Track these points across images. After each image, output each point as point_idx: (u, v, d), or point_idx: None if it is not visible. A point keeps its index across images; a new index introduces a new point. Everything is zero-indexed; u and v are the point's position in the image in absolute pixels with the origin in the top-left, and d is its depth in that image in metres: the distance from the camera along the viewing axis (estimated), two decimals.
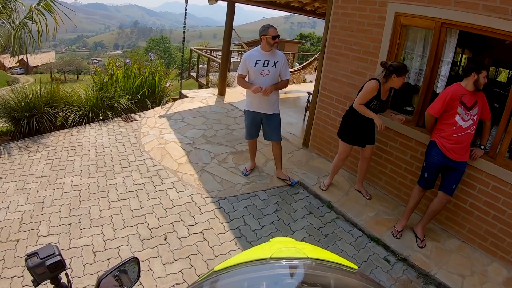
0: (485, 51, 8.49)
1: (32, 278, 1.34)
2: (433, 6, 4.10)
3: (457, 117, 3.76)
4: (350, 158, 5.42)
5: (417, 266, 3.84)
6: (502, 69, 10.07)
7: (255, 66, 4.55)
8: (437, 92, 4.50)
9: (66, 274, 1.47)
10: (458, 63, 9.33)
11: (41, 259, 1.33)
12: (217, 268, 1.35)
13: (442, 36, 4.14)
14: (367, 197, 4.93)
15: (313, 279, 1.23)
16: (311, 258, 1.32)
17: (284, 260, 1.31)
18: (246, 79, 4.76)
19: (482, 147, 3.97)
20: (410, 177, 4.74)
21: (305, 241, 4.04)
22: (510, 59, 8.04)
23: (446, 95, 3.75)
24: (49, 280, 1.39)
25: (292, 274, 1.25)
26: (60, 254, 1.37)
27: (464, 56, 9.46)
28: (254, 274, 1.28)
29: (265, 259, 1.31)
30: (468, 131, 3.75)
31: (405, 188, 4.85)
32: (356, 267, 1.36)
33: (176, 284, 3.30)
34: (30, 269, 1.32)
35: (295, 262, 1.31)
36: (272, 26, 4.51)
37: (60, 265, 1.36)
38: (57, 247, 1.39)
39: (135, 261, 1.54)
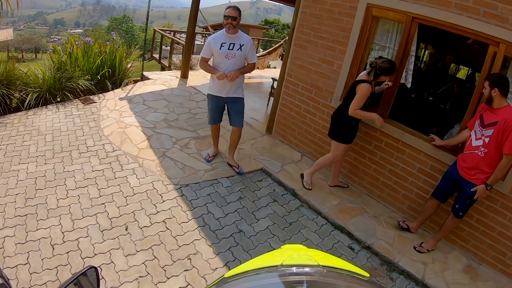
0: (447, 48, 8.75)
1: None
2: (405, 0, 4.11)
3: (472, 131, 3.59)
4: (323, 152, 5.44)
5: (380, 254, 3.92)
6: (462, 66, 10.44)
7: (220, 49, 4.44)
8: (408, 86, 4.56)
9: None
10: (421, 58, 9.62)
11: None
12: (227, 275, 1.32)
13: (413, 30, 4.18)
14: (346, 186, 5.07)
15: (325, 287, 1.20)
16: (323, 266, 1.30)
17: (295, 268, 1.29)
18: (210, 62, 4.65)
19: (489, 187, 3.44)
20: (374, 166, 4.81)
21: (269, 229, 4.06)
22: (470, 57, 8.34)
23: (479, 107, 3.63)
24: None
25: (303, 282, 1.21)
26: (2, 276, 1.22)
27: (427, 51, 9.74)
28: (264, 281, 1.27)
29: (276, 266, 1.28)
30: (476, 151, 3.46)
31: (368, 177, 4.93)
32: (368, 274, 1.34)
33: (139, 277, 3.19)
34: None
35: (306, 269, 1.28)
36: (232, 6, 4.41)
37: None
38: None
39: (93, 270, 1.43)
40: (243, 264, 1.43)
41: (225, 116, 5.00)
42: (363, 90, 4.04)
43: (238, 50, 4.47)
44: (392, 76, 4.07)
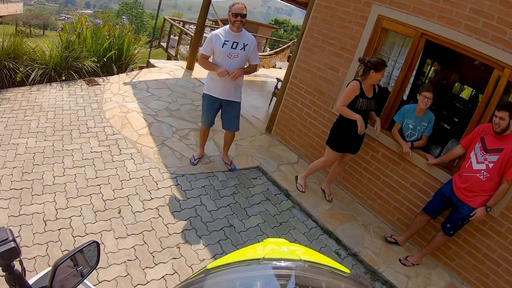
0: (453, 66, 8.78)
1: None
2: (416, 15, 4.17)
3: (472, 153, 3.56)
4: (320, 156, 5.45)
5: (366, 262, 3.98)
6: (466, 86, 10.48)
7: (222, 47, 4.16)
8: (404, 99, 4.60)
9: (20, 262, 1.34)
10: (426, 74, 9.64)
11: None
12: (209, 266, 1.33)
13: (420, 46, 4.23)
14: (329, 199, 4.90)
15: (305, 281, 1.23)
16: (304, 260, 1.32)
17: (277, 261, 1.31)
18: (210, 60, 4.36)
19: (489, 209, 3.46)
20: (368, 176, 4.86)
21: (259, 227, 4.10)
22: (475, 78, 8.36)
23: (477, 128, 3.64)
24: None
25: (284, 276, 1.24)
26: (14, 240, 1.22)
27: (433, 67, 9.76)
28: (246, 273, 1.27)
29: (258, 259, 1.30)
30: (478, 175, 3.44)
31: (361, 186, 4.98)
32: (348, 271, 1.37)
33: (128, 260, 3.24)
34: None
35: (288, 263, 1.30)
36: (239, 3, 4.10)
37: (15, 253, 1.21)
38: (10, 230, 1.24)
39: (95, 244, 1.46)
40: (226, 256, 1.43)
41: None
42: (349, 87, 4.06)
43: (241, 49, 4.23)
44: (380, 72, 3.94)
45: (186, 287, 1.21)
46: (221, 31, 4.25)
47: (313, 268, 1.31)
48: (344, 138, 4.31)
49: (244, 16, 4.10)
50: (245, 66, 4.47)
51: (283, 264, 1.29)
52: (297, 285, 1.16)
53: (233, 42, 4.19)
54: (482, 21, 3.67)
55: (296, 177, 5.08)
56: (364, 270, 3.91)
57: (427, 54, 8.00)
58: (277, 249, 1.42)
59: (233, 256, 1.41)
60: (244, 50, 4.26)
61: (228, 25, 4.24)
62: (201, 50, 4.36)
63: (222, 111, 4.64)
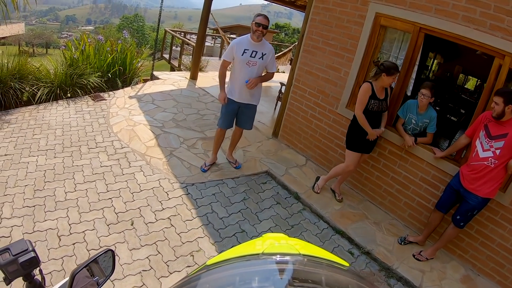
0: (456, 58, 8.73)
1: (3, 276, 1.26)
2: (414, 10, 4.18)
3: (477, 142, 3.54)
4: (327, 157, 5.49)
5: (379, 260, 3.97)
6: (470, 77, 10.42)
7: (242, 55, 4.37)
8: (408, 94, 4.61)
9: (40, 271, 1.40)
10: (429, 68, 9.60)
11: (13, 255, 1.26)
12: (209, 262, 1.34)
13: (420, 40, 4.24)
14: (339, 198, 4.91)
15: (305, 276, 1.23)
16: (303, 255, 1.33)
17: (276, 256, 1.32)
18: (230, 66, 4.65)
19: None
20: (377, 173, 4.86)
21: (271, 231, 4.11)
22: (479, 68, 8.33)
23: (480, 116, 3.63)
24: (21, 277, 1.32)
25: (283, 270, 1.25)
26: (34, 250, 1.29)
27: (436, 61, 9.72)
28: (246, 269, 1.28)
29: (258, 254, 1.32)
30: (486, 162, 3.43)
31: (370, 184, 4.98)
32: (347, 264, 1.38)
33: (143, 270, 3.27)
34: (2, 267, 1.24)
35: (287, 258, 1.31)
36: (263, 14, 4.36)
37: (34, 262, 1.28)
38: (30, 242, 1.31)
39: (110, 253, 1.50)
40: (225, 252, 1.44)
41: None
42: (361, 89, 4.13)
43: (259, 58, 4.43)
44: (392, 76, 3.99)
45: (186, 284, 1.23)
46: (243, 39, 4.48)
47: (312, 262, 1.32)
48: (360, 137, 4.37)
49: (266, 27, 4.34)
50: (263, 74, 4.64)
51: (282, 258, 1.31)
52: (296, 279, 1.18)
53: (253, 51, 4.39)
54: (479, 11, 3.68)
55: (317, 178, 5.09)
56: (378, 268, 3.91)
57: (429, 48, 7.98)
58: (276, 243, 1.44)
59: (232, 251, 1.43)
60: (262, 59, 4.45)
61: (249, 34, 4.44)
62: (222, 56, 4.60)
63: (238, 112, 4.81)
